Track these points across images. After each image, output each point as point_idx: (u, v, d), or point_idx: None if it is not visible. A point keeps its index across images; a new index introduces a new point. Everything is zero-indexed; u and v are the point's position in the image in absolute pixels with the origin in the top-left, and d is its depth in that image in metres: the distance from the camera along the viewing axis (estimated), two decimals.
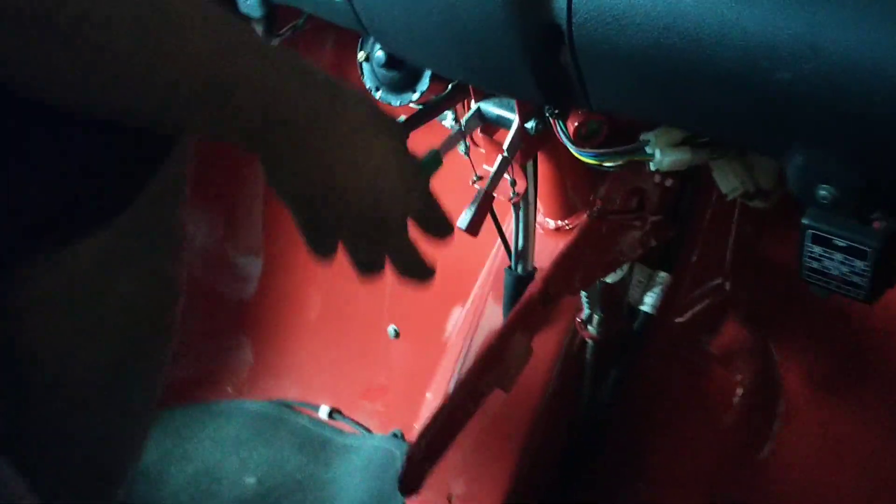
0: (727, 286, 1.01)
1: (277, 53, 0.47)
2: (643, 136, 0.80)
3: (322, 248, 0.56)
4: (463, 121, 0.84)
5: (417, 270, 0.60)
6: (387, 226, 0.54)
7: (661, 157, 0.79)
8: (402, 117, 0.88)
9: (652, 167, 0.82)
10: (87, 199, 0.53)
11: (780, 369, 0.98)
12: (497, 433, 0.99)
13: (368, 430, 1.43)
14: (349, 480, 1.35)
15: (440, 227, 0.62)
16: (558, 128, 0.81)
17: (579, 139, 0.81)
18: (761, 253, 0.99)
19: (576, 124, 0.80)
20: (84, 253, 0.56)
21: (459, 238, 1.34)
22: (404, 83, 0.96)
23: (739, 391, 1.01)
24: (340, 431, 1.43)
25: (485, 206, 0.83)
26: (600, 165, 0.82)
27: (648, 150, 0.80)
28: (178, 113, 0.44)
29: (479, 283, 1.27)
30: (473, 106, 0.87)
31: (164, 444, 1.41)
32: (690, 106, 0.62)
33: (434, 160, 0.70)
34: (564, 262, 0.87)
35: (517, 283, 0.98)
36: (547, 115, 0.81)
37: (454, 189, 1.27)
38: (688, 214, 0.98)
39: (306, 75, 0.49)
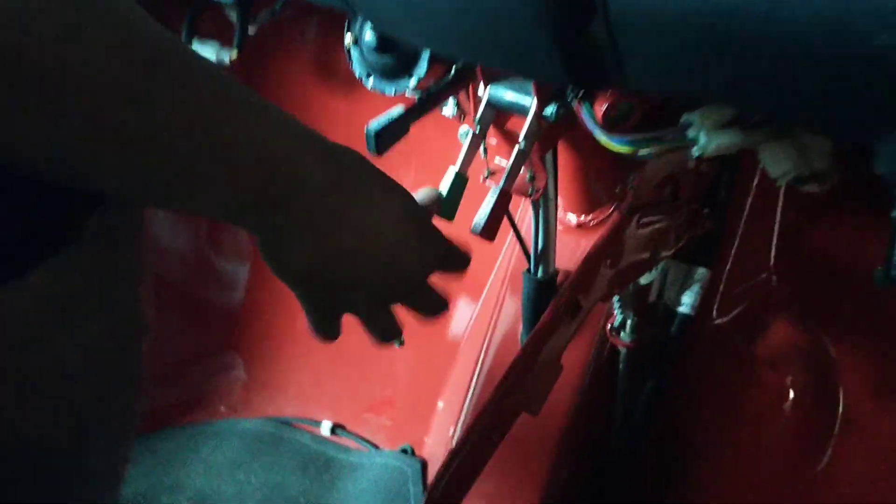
0: (773, 281, 0.90)
1: (279, 116, 0.43)
2: (685, 118, 0.69)
3: (330, 330, 0.54)
4: (476, 118, 0.72)
5: (436, 310, 0.59)
6: (406, 285, 0.52)
7: (707, 141, 0.68)
8: (400, 108, 0.77)
9: (694, 153, 0.70)
10: (17, 237, 0.42)
11: (837, 372, 0.87)
12: (519, 457, 0.89)
13: (375, 446, 1.34)
14: (357, 502, 1.25)
15: (459, 264, 0.60)
16: (583, 112, 0.70)
17: (608, 124, 0.69)
18: (809, 244, 0.88)
19: (604, 107, 0.68)
20: (22, 297, 0.45)
21: (466, 236, 1.23)
22: (399, 68, 0.84)
23: (791, 396, 0.90)
24: (345, 448, 1.34)
25: (501, 205, 0.72)
26: (633, 154, 0.70)
27: (691, 133, 0.68)
28: (164, 180, 0.39)
29: (490, 283, 1.17)
30: (482, 92, 0.75)
31: (154, 473, 1.31)
32: (755, 80, 0.51)
33: (460, 187, 0.67)
34: (593, 265, 0.75)
35: (538, 289, 0.87)
36: (570, 97, 0.69)
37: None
38: (726, 203, 0.87)
39: (309, 140, 0.44)
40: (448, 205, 0.68)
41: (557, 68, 0.60)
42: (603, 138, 0.69)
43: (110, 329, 0.54)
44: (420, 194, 0.60)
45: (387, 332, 0.57)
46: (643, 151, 0.70)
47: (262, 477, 1.31)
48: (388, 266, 0.50)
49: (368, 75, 0.87)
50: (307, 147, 0.44)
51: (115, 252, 0.50)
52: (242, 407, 1.41)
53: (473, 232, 0.71)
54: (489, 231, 0.71)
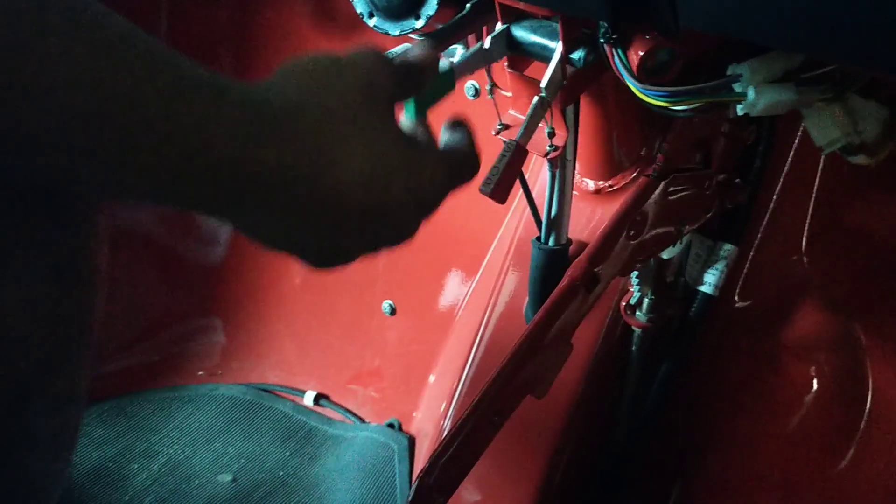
0: (805, 262, 0.82)
1: (240, 92, 0.39)
2: (732, 70, 0.60)
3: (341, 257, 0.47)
4: (487, 40, 0.64)
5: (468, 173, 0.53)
6: (389, 212, 0.45)
7: (756, 97, 0.59)
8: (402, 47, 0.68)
9: (739, 111, 0.62)
10: None
11: (866, 363, 0.80)
12: (520, 441, 0.81)
13: (360, 419, 1.27)
14: (339, 478, 1.19)
15: (467, 171, 0.53)
16: (616, 59, 0.61)
17: (644, 74, 0.61)
18: (848, 223, 0.80)
19: (641, 54, 0.60)
20: None
21: (467, 198, 1.15)
22: (405, 7, 0.76)
23: (815, 387, 0.83)
24: (328, 420, 1.28)
25: (516, 163, 0.63)
26: (667, 109, 0.62)
27: (738, 87, 0.60)
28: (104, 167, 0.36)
29: (492, 249, 1.09)
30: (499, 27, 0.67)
31: (124, 437, 1.24)
32: (839, 16, 0.42)
33: (445, 82, 0.56)
34: (615, 234, 0.67)
35: (548, 259, 0.79)
36: (602, 40, 0.61)
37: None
38: (761, 173, 0.79)
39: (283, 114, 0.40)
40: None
41: (595, 1, 0.52)
42: (637, 90, 0.60)
43: (56, 279, 0.46)
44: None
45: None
46: (679, 107, 0.62)
47: (239, 446, 1.24)
48: (366, 192, 0.44)
49: (371, 14, 0.79)
50: (283, 121, 0.40)
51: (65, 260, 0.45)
52: (222, 372, 1.33)
53: (483, 192, 0.62)
54: (501, 192, 0.62)
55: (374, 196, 0.43)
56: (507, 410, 0.65)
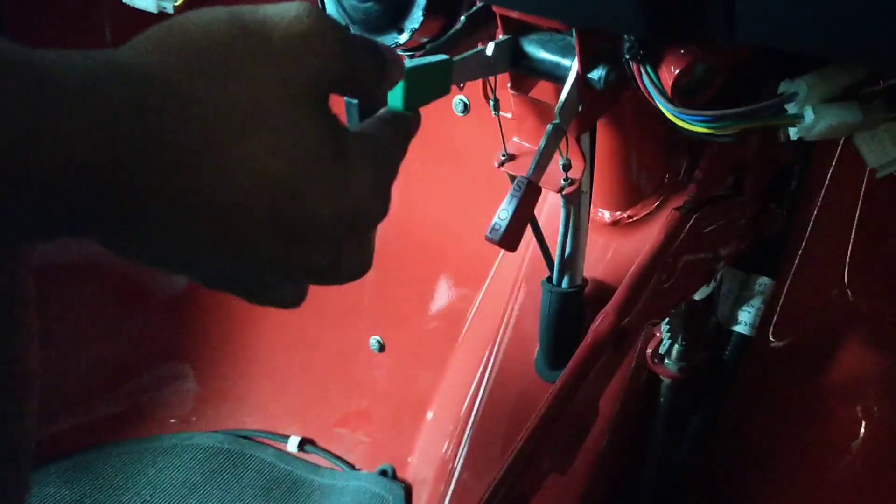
0: (848, 294, 0.73)
1: (93, 69, 0.28)
2: (786, 88, 0.50)
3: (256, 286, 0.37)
4: (490, 46, 0.53)
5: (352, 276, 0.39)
6: (306, 233, 0.34)
7: (815, 119, 0.50)
8: None
9: (793, 135, 0.52)
10: None
11: None
12: None
13: (351, 466, 1.18)
14: None
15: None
16: (644, 78, 0.51)
17: (679, 95, 0.51)
18: (894, 253, 0.71)
19: (676, 71, 0.50)
20: None
21: (460, 219, 1.05)
22: (386, 19, 0.66)
23: (862, 432, 0.74)
24: (315, 468, 1.18)
25: (528, 204, 0.53)
26: (712, 135, 0.52)
27: (793, 108, 0.50)
28: None
29: (490, 277, 1.00)
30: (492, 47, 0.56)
31: (90, 499, 1.13)
32: None
33: (440, 76, 0.44)
34: (644, 280, 0.58)
35: (562, 303, 0.69)
36: (627, 56, 0.51)
37: (461, 169, 0.99)
38: (796, 198, 0.69)
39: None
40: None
41: (625, 11, 0.42)
42: (673, 115, 0.50)
43: None
44: None
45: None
46: (723, 132, 0.52)
47: (218, 501, 1.15)
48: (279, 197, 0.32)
49: (347, 27, 0.68)
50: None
51: None
52: (195, 419, 1.23)
53: (490, 240, 0.52)
54: (512, 238, 0.52)
55: (288, 210, 0.32)
56: (529, 495, 0.55)
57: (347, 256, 0.36)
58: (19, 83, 0.26)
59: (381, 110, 0.42)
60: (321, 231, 0.33)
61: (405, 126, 0.41)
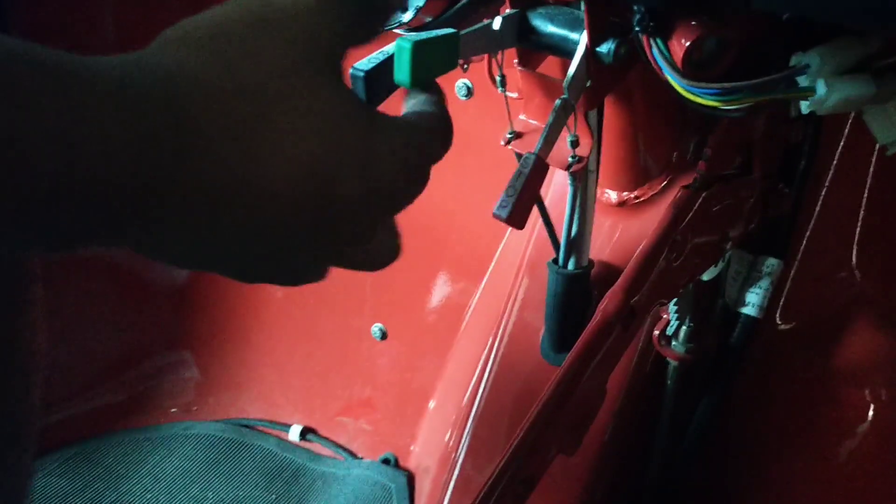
0: (857, 276, 0.72)
1: (114, 73, 0.28)
2: (798, 60, 0.50)
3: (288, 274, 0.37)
4: (497, 20, 0.52)
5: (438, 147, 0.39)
6: (342, 212, 0.34)
7: (828, 92, 0.49)
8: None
9: (804, 109, 0.52)
10: None
11: None
12: (541, 496, 0.70)
13: (353, 455, 1.17)
14: None
15: (437, 144, 0.39)
16: (654, 51, 0.50)
17: (690, 68, 0.50)
18: None
19: (686, 44, 0.49)
20: None
21: (462, 203, 1.04)
22: None
23: (871, 415, 0.73)
24: (317, 457, 1.18)
25: (535, 181, 0.52)
26: (717, 109, 0.51)
27: (804, 80, 0.50)
28: None
29: (495, 262, 0.99)
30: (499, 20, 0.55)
31: (91, 488, 1.12)
32: None
33: (447, 50, 0.43)
34: (652, 259, 0.57)
35: (569, 284, 0.68)
36: (638, 28, 0.50)
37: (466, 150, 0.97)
38: (806, 176, 0.68)
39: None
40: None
41: None
42: (683, 88, 0.50)
43: None
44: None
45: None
46: (731, 107, 0.51)
47: (219, 491, 1.15)
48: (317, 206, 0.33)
49: None
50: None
51: None
52: (196, 408, 1.23)
53: (498, 217, 0.51)
54: (520, 216, 0.51)
55: (321, 192, 0.32)
56: (535, 477, 0.55)
57: (379, 241, 0.37)
58: (60, 89, 0.26)
59: (410, 100, 0.41)
60: (354, 208, 0.34)
61: (434, 103, 0.40)
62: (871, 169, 0.70)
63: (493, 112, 0.64)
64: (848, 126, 0.70)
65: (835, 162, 0.71)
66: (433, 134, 0.38)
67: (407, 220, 0.40)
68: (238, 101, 0.30)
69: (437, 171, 0.39)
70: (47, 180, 0.25)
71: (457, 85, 0.95)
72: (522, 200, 0.52)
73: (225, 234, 0.31)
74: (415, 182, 0.37)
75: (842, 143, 0.71)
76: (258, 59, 0.31)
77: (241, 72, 0.31)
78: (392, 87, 0.46)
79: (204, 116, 0.29)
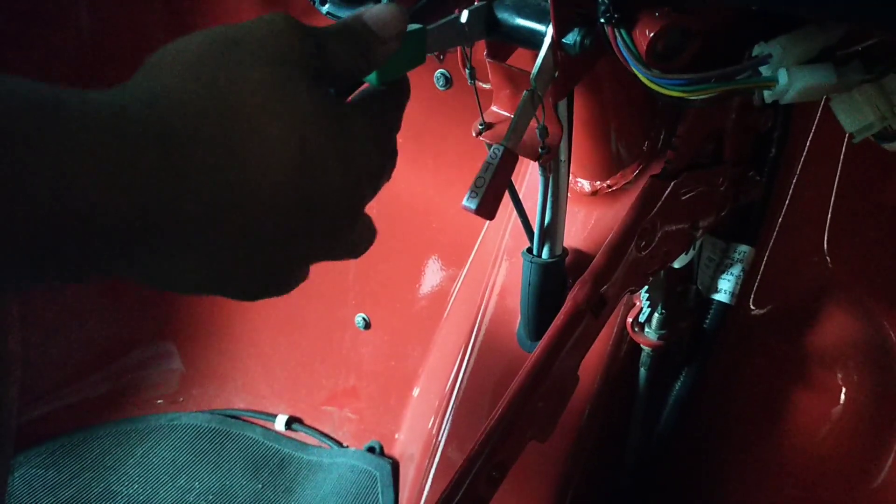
0: (827, 261, 0.73)
1: (102, 106, 0.30)
2: (760, 50, 0.50)
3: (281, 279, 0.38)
4: (464, 13, 0.53)
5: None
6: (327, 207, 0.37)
7: (789, 81, 0.50)
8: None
9: (767, 98, 0.52)
10: None
11: None
12: (518, 482, 0.72)
13: (338, 443, 1.18)
14: None
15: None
16: (619, 42, 0.51)
17: (654, 59, 0.51)
18: (874, 218, 0.71)
19: (650, 34, 0.49)
20: None
21: (443, 194, 1.04)
22: None
23: (843, 399, 0.74)
24: (303, 446, 1.18)
25: (504, 172, 0.53)
26: (684, 99, 0.52)
27: (767, 70, 0.50)
28: None
29: (474, 252, 0.99)
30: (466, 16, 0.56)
31: (79, 479, 1.12)
32: None
33: (414, 48, 0.45)
34: (622, 248, 0.58)
35: (544, 273, 0.69)
36: (602, 20, 0.50)
37: (444, 139, 0.98)
38: (776, 164, 0.69)
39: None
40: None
41: None
42: (647, 79, 0.50)
43: None
44: None
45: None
46: (696, 97, 0.52)
47: (206, 481, 1.15)
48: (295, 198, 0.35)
49: (323, 1, 0.68)
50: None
51: None
52: (182, 399, 1.23)
53: (467, 208, 0.52)
54: (489, 206, 0.52)
55: (311, 185, 0.35)
56: (508, 462, 0.56)
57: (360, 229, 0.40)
58: (58, 125, 0.28)
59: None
60: (341, 195, 0.36)
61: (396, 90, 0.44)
62: (842, 156, 0.71)
63: (473, 102, 0.64)
64: (818, 114, 0.71)
65: (805, 149, 0.72)
66: (390, 103, 0.43)
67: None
68: (222, 118, 0.32)
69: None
70: (47, 213, 0.27)
71: (435, 75, 0.95)
72: (491, 191, 0.52)
73: (225, 247, 0.33)
74: (388, 155, 0.40)
75: (812, 131, 0.71)
76: (237, 78, 0.33)
77: (223, 91, 0.33)
78: (360, 82, 0.47)
79: (193, 137, 0.31)
